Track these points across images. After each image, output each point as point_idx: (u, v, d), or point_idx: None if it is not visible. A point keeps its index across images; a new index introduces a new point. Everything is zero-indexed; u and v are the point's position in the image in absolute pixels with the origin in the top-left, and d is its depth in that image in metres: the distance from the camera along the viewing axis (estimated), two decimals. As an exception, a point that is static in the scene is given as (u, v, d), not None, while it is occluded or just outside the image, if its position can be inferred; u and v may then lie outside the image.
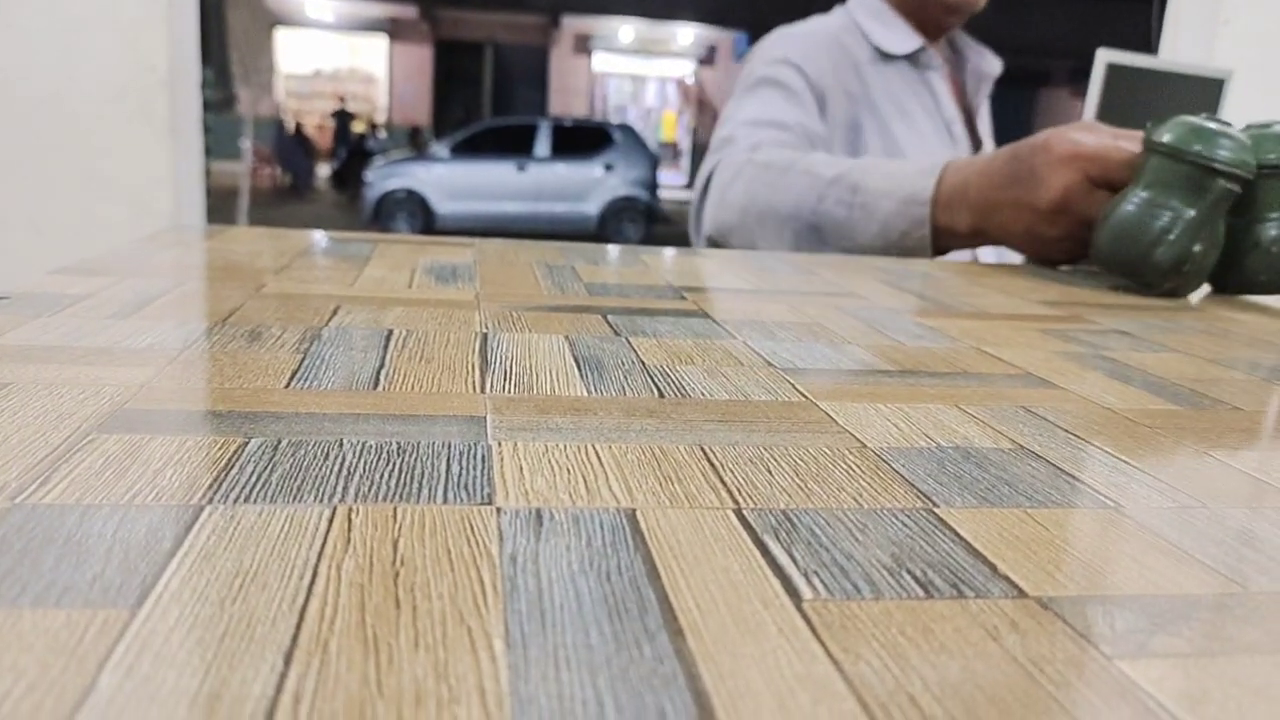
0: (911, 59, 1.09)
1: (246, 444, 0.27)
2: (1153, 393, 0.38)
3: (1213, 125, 0.63)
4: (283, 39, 17.75)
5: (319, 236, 0.70)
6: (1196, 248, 0.61)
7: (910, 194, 0.79)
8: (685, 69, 18.92)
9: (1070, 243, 0.72)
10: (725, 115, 1.05)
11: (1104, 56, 1.10)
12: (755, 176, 0.90)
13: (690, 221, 1.04)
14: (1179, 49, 1.62)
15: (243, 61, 3.35)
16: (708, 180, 0.97)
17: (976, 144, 1.12)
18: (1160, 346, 0.47)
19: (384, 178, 9.39)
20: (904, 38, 1.08)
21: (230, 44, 3.31)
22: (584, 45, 18.42)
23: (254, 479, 0.25)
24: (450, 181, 9.46)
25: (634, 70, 18.89)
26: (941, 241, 0.80)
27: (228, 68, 3.35)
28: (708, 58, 18.58)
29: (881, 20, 1.10)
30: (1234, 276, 0.65)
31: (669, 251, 0.73)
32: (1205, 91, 1.41)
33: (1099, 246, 0.66)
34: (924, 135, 1.06)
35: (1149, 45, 1.71)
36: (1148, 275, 0.63)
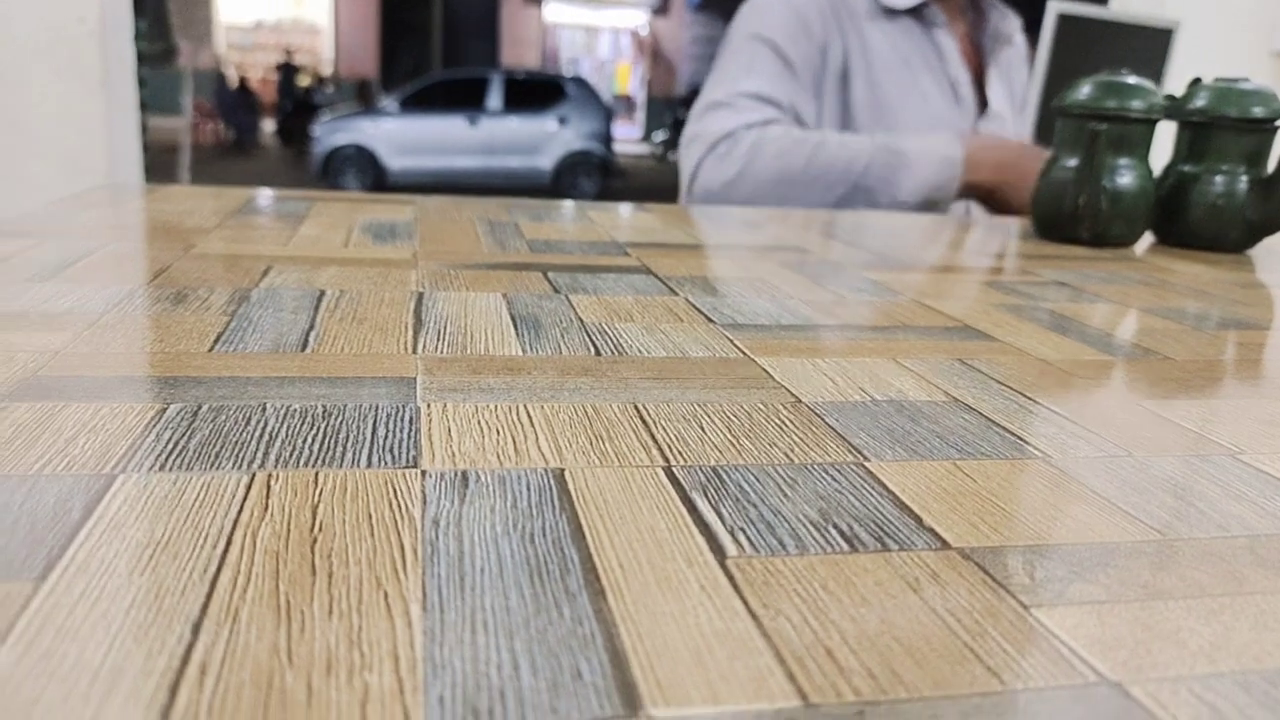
0: (915, 14, 1.06)
1: (165, 410, 0.27)
2: (1087, 343, 0.38)
3: (1097, 78, 0.64)
4: (223, -11, 17.15)
5: (255, 194, 0.68)
6: (1086, 192, 0.63)
7: (944, 156, 0.95)
8: (639, 20, 18.66)
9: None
10: (720, 72, 1.05)
11: (1055, 8, 1.10)
12: (786, 151, 0.96)
13: (685, 174, 1.04)
14: None
15: (181, 12, 3.23)
16: (709, 148, 1.00)
17: (983, 104, 1.11)
18: (1097, 298, 0.48)
19: (331, 133, 9.16)
20: None
21: (166, -5, 3.19)
22: (536, -5, 18.04)
23: (170, 446, 0.24)
24: (400, 136, 9.26)
25: (586, 21, 18.58)
26: (961, 195, 0.95)
27: (165, 18, 3.22)
28: (661, 8, 18.34)
29: None
30: (1178, 229, 0.66)
31: (616, 207, 0.72)
32: (1154, 41, 1.42)
33: (1035, 217, 0.68)
34: (925, 92, 1.04)
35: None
36: (1065, 229, 0.65)
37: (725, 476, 0.24)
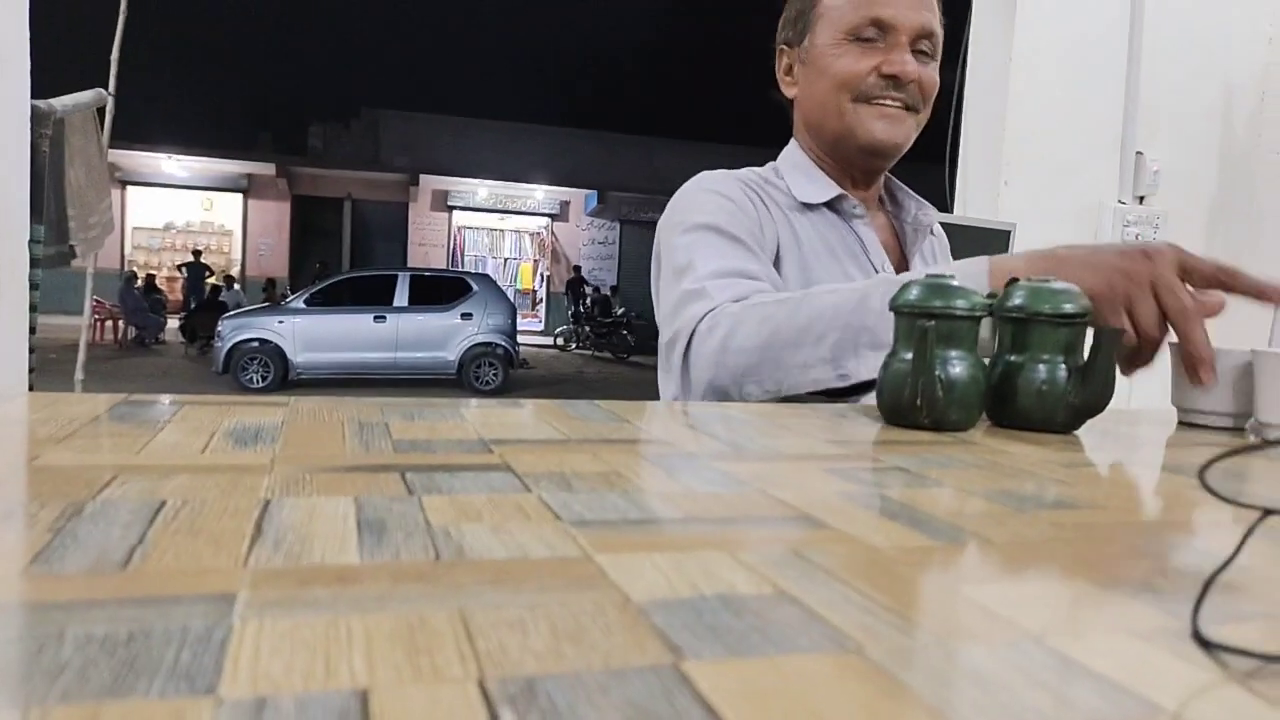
0: (832, 207, 1.11)
1: (-51, 642, 0.25)
2: (917, 529, 0.40)
3: (925, 280, 0.70)
4: (134, 195, 17.38)
5: (121, 400, 0.67)
6: (922, 382, 0.67)
7: (963, 269, 0.87)
8: (540, 223, 19.72)
9: (1130, 282, 0.78)
10: (671, 271, 1.04)
11: (910, 213, 1.21)
12: (770, 314, 0.90)
13: (672, 373, 1.00)
14: (969, 204, 1.81)
15: (77, 216, 3.24)
16: (690, 335, 0.96)
17: None
18: (933, 482, 0.50)
19: (236, 329, 9.14)
20: (822, 187, 1.11)
21: (68, 199, 3.20)
22: (442, 202, 18.87)
23: (-56, 683, 0.23)
24: (306, 332, 9.30)
25: (491, 224, 19.48)
26: None
27: (64, 222, 3.23)
28: (560, 213, 19.49)
29: (804, 173, 1.13)
30: (1009, 413, 0.71)
31: (493, 403, 0.73)
32: (995, 240, 1.57)
33: (880, 405, 0.72)
34: (852, 280, 1.07)
35: (945, 201, 1.90)
36: (907, 416, 0.69)
37: (537, 687, 0.24)
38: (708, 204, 1.08)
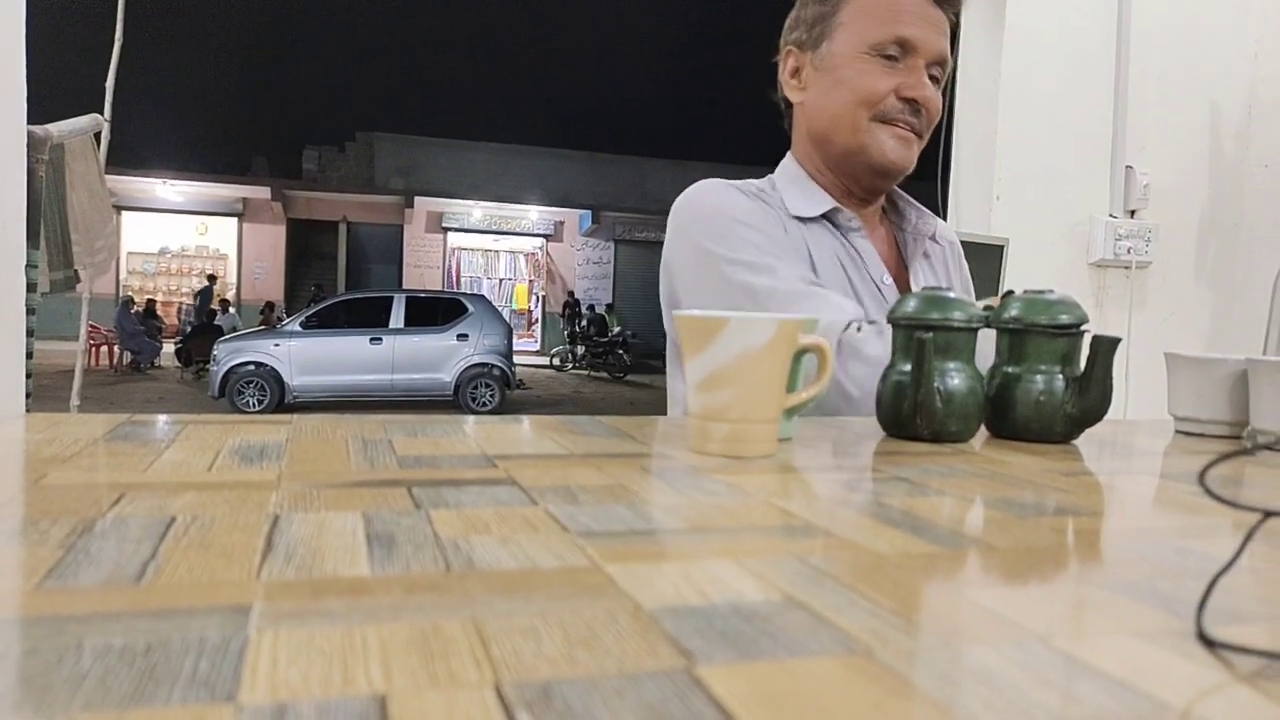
0: (827, 221, 1.10)
1: (-31, 655, 0.25)
2: (919, 536, 0.40)
3: (922, 293, 0.70)
4: (129, 220, 17.42)
5: (123, 420, 0.67)
6: (920, 394, 0.67)
7: None
8: (534, 244, 19.81)
9: None
10: (715, 267, 1.03)
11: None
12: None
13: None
14: (962, 220, 1.83)
15: (80, 242, 3.24)
16: (845, 324, 0.95)
17: None
18: (934, 491, 0.51)
19: (231, 353, 9.14)
20: (816, 201, 1.10)
21: (70, 225, 3.20)
22: (437, 224, 18.95)
23: (-33, 694, 0.23)
24: (302, 354, 9.30)
25: (486, 245, 19.55)
26: None
27: (68, 247, 3.23)
28: (555, 234, 19.58)
29: (799, 186, 1.12)
30: (1008, 424, 0.72)
31: (493, 420, 0.73)
32: (990, 254, 1.59)
33: (880, 418, 0.72)
34: (858, 292, 1.07)
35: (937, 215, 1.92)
36: (907, 427, 0.69)
37: (553, 691, 0.24)
38: (728, 199, 1.07)
